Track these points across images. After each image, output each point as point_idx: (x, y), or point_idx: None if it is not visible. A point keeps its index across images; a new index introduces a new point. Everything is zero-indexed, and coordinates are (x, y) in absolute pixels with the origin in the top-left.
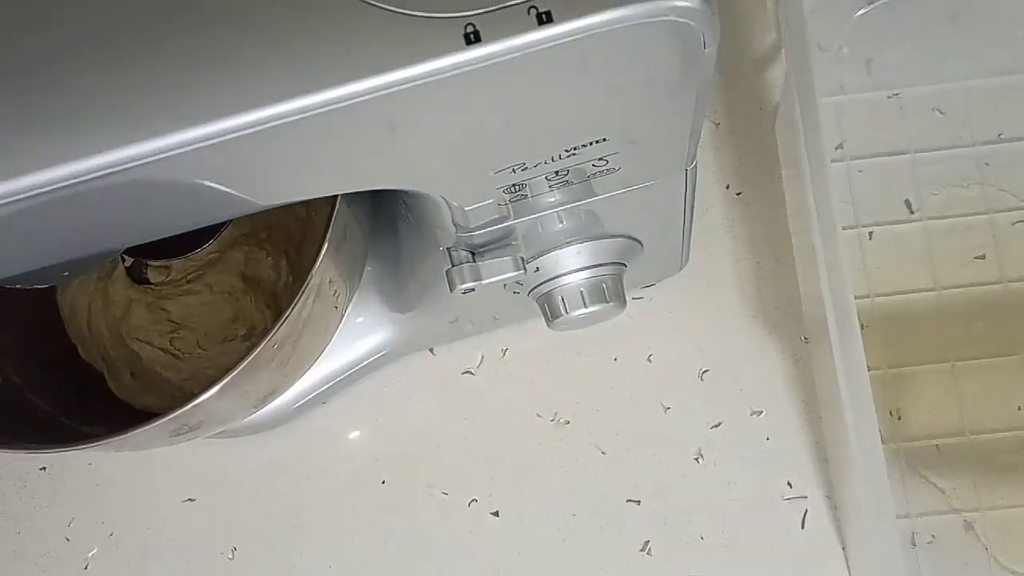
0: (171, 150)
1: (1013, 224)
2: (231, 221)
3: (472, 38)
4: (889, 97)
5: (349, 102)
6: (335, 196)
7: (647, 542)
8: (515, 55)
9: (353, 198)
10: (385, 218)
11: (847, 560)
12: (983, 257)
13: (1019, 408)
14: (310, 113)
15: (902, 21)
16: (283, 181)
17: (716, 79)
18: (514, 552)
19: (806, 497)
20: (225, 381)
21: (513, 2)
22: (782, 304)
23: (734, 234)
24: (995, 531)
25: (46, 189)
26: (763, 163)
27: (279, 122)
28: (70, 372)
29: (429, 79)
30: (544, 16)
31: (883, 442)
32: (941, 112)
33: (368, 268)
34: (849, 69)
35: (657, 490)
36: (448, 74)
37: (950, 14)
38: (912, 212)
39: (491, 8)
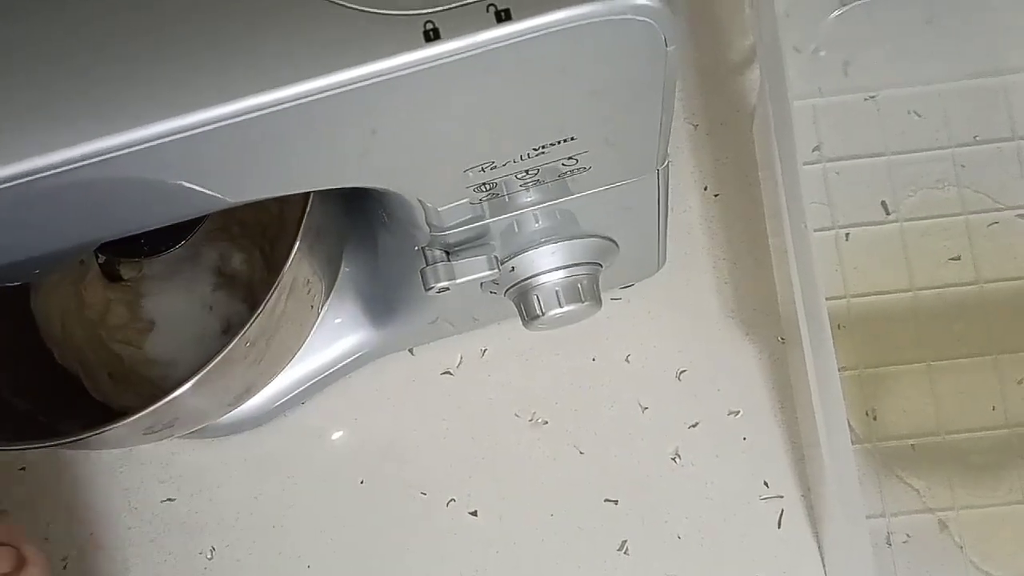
0: (137, 144)
1: (988, 226)
2: (205, 219)
3: (431, 35)
4: (866, 99)
5: (310, 98)
6: (307, 194)
7: (624, 541)
8: (475, 52)
9: (327, 198)
10: (362, 219)
11: (822, 559)
12: (959, 258)
13: (994, 408)
14: (272, 109)
15: (878, 24)
16: (250, 177)
17: (694, 82)
18: (492, 552)
19: (782, 496)
20: (197, 377)
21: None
22: (759, 305)
23: (712, 235)
24: (969, 531)
25: (13, 183)
26: (741, 165)
27: (241, 118)
28: (48, 371)
29: (389, 75)
30: (503, 14)
31: (859, 442)
32: (917, 114)
33: (346, 269)
34: (826, 71)
35: (634, 490)
36: (408, 71)
37: (925, 17)
38: (888, 213)
39: (451, 6)
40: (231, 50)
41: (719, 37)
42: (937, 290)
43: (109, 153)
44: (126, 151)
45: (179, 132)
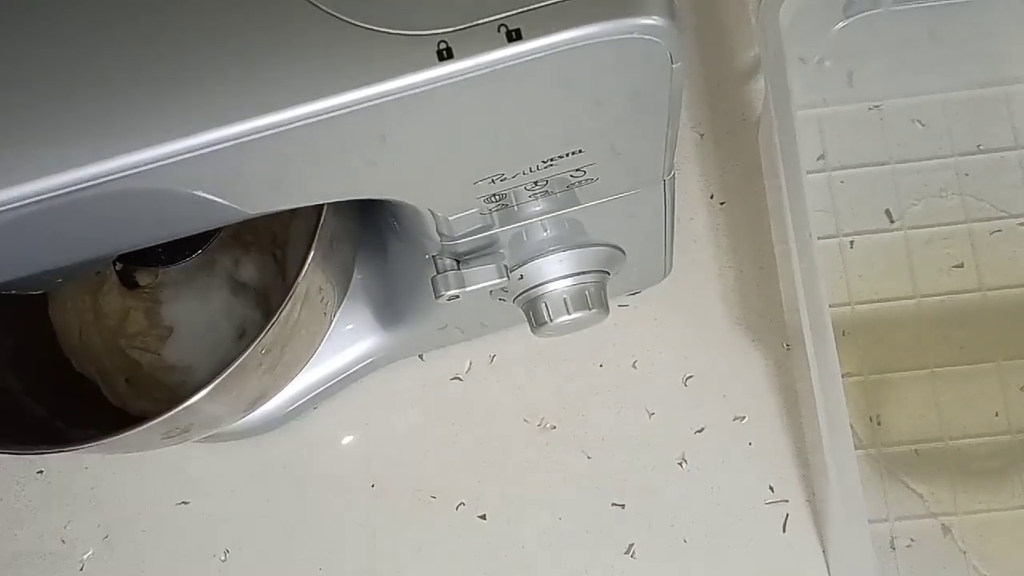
0: (161, 160)
1: (991, 234)
2: (221, 229)
3: (444, 54)
4: (870, 109)
5: (327, 115)
6: (321, 204)
7: (631, 545)
8: (486, 71)
9: (340, 207)
10: (373, 227)
11: (827, 563)
12: (962, 266)
13: (996, 414)
14: (292, 125)
15: (882, 35)
16: (269, 191)
17: (701, 91)
18: (501, 555)
19: (787, 501)
20: (214, 384)
21: (484, 20)
22: (765, 312)
23: (718, 243)
24: (972, 535)
25: (39, 198)
26: (746, 173)
27: (262, 134)
28: (66, 377)
29: (404, 94)
30: (514, 33)
31: (862, 447)
32: (921, 124)
33: (357, 276)
34: (831, 81)
35: (641, 494)
36: (422, 89)
37: (928, 28)
38: (892, 221)
39: (463, 26)
40: (251, 69)
41: (725, 47)
42: (940, 297)
43: (132, 169)
44: (149, 167)
45: (201, 148)
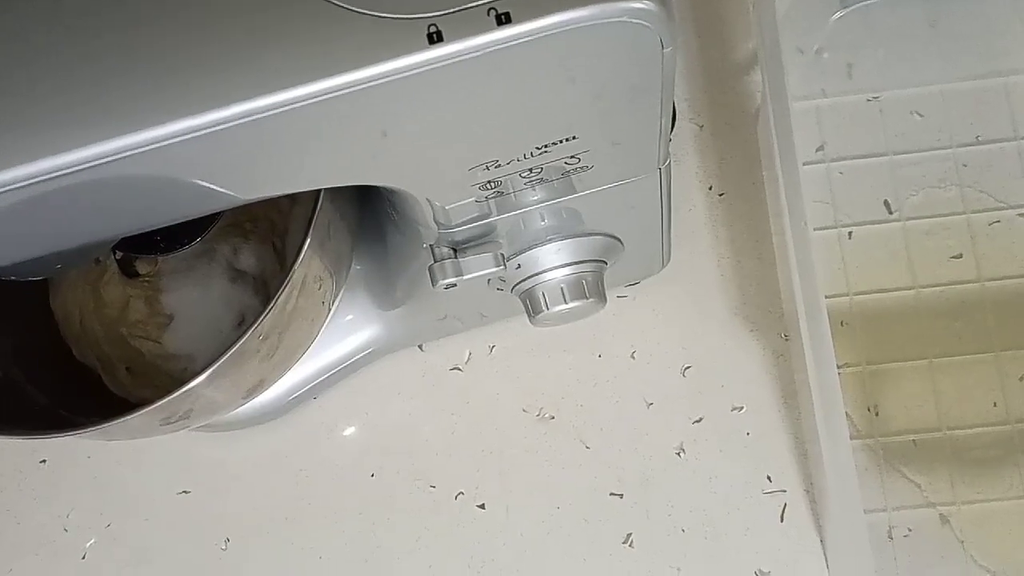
0: (154, 143)
1: (990, 224)
2: (221, 215)
3: (434, 38)
4: (869, 100)
5: (319, 99)
6: (317, 193)
7: (629, 534)
8: (477, 54)
9: (337, 196)
10: (372, 217)
11: (825, 552)
12: (960, 257)
13: (994, 404)
14: (284, 109)
15: (881, 26)
16: (263, 175)
17: (700, 82)
18: (500, 544)
19: (785, 491)
20: (212, 369)
21: (474, 4)
22: (763, 302)
23: (716, 234)
24: (970, 525)
25: (35, 180)
26: (745, 165)
27: (254, 117)
28: (68, 367)
29: (395, 77)
30: (503, 17)
31: (860, 437)
32: (920, 115)
33: (356, 266)
34: (830, 73)
35: (640, 483)
36: (413, 72)
37: (928, 20)
38: (891, 212)
39: (453, 9)
40: (244, 53)
41: (724, 39)
42: (939, 288)
43: (127, 151)
44: (144, 149)
45: (195, 131)
